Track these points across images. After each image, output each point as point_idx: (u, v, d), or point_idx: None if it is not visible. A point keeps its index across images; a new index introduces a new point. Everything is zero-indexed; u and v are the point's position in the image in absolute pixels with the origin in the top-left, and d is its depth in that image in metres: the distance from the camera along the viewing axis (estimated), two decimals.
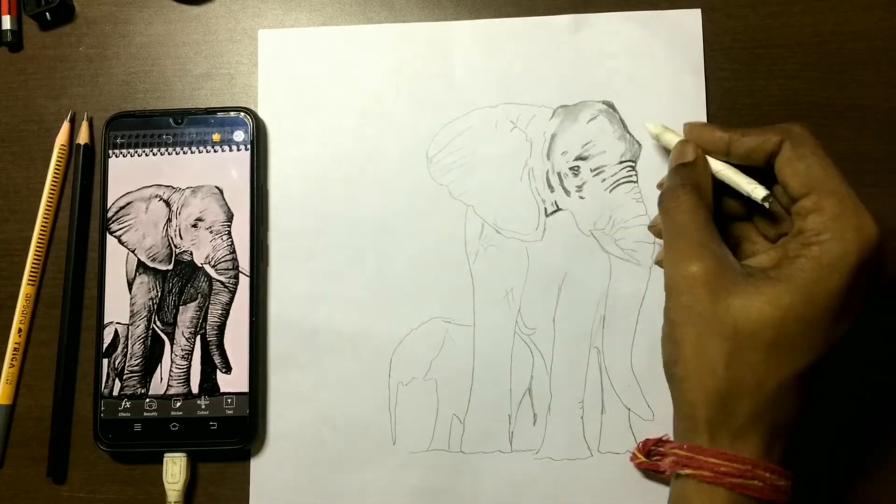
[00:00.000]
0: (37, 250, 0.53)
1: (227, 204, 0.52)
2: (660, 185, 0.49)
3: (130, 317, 0.51)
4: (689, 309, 0.40)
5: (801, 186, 0.41)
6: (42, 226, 0.53)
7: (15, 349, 0.52)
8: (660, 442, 0.49)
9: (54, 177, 0.53)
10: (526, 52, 0.54)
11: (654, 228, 0.49)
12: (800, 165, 0.42)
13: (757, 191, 0.43)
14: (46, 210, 0.53)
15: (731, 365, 0.39)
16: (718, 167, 0.45)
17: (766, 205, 0.43)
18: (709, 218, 0.43)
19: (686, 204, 0.43)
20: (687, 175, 0.44)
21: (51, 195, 0.53)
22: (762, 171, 0.44)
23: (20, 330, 0.52)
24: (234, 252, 0.52)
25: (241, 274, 0.52)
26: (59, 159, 0.53)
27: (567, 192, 0.53)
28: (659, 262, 0.49)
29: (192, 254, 0.52)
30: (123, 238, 0.52)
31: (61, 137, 0.54)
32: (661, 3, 0.54)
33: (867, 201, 0.50)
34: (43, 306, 0.53)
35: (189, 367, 0.51)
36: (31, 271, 0.53)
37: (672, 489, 0.42)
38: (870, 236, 0.39)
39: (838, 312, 0.39)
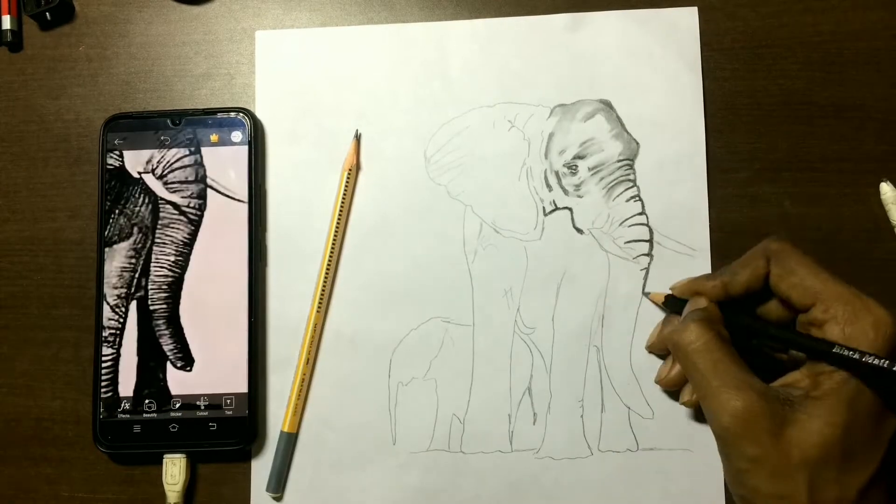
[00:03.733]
0: (325, 275, 0.52)
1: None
2: (650, 347, 0.50)
3: (124, 317, 0.51)
4: (753, 456, 0.40)
5: (803, 298, 0.42)
6: (330, 252, 0.52)
7: (302, 380, 0.51)
8: None
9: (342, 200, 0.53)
10: (523, 52, 0.54)
11: (654, 345, 0.50)
12: (793, 279, 0.43)
13: None
14: (335, 231, 0.52)
15: (814, 491, 0.39)
16: None
17: None
18: (731, 349, 0.43)
19: (704, 339, 0.43)
20: (698, 313, 0.45)
21: (339, 219, 0.53)
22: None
23: (308, 360, 0.51)
24: (200, 164, 0.50)
25: (224, 197, 0.50)
26: (347, 182, 0.53)
27: (565, 191, 0.53)
28: (687, 403, 0.48)
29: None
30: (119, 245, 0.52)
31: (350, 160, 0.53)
32: (659, 2, 0.54)
33: (867, 201, 0.51)
34: (43, 307, 0.53)
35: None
36: (320, 299, 0.52)
37: None
38: (888, 327, 0.40)
39: (886, 407, 0.40)
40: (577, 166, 0.53)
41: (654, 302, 0.51)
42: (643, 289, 0.52)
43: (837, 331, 0.41)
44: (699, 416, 0.50)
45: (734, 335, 0.44)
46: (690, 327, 0.43)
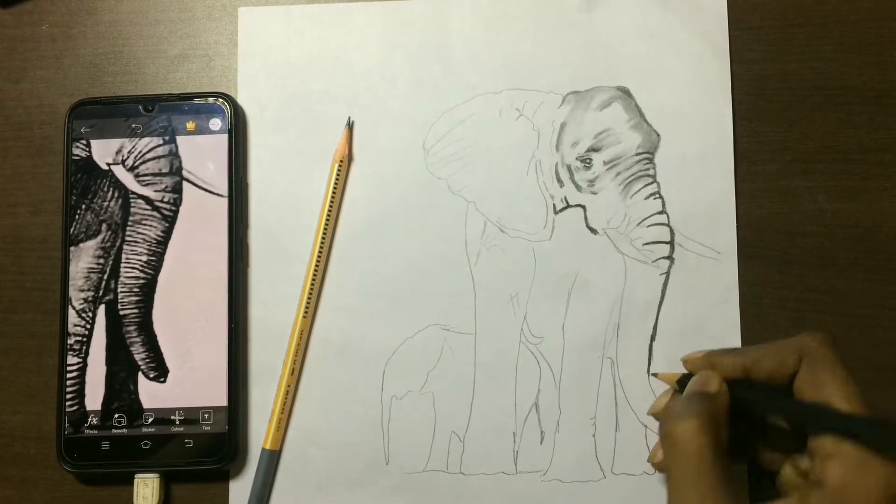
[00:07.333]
0: (312, 278, 0.50)
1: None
2: (654, 412, 0.47)
3: (90, 324, 0.50)
4: None
5: None
6: (318, 252, 0.50)
7: (286, 392, 0.49)
8: None
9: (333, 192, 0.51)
10: (533, 33, 0.53)
11: (657, 465, 0.47)
12: (817, 395, 0.40)
13: None
14: (324, 229, 0.50)
15: None
16: None
17: None
18: (722, 463, 0.40)
19: (698, 442, 0.40)
20: (704, 405, 0.41)
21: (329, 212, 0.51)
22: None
23: (293, 371, 0.50)
24: (175, 154, 0.50)
25: (202, 191, 0.49)
26: (338, 175, 0.51)
27: (578, 187, 0.51)
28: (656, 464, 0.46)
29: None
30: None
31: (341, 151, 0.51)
32: None
33: None
34: (2, 311, 0.52)
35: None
36: (306, 303, 0.50)
37: None
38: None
39: None
40: (591, 160, 0.51)
41: (664, 381, 0.47)
42: (661, 299, 0.50)
43: (841, 474, 0.38)
44: None
45: (744, 405, 0.42)
46: (689, 424, 0.40)
